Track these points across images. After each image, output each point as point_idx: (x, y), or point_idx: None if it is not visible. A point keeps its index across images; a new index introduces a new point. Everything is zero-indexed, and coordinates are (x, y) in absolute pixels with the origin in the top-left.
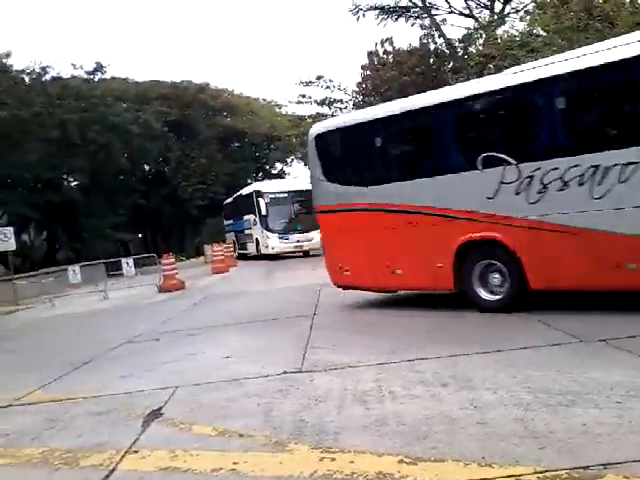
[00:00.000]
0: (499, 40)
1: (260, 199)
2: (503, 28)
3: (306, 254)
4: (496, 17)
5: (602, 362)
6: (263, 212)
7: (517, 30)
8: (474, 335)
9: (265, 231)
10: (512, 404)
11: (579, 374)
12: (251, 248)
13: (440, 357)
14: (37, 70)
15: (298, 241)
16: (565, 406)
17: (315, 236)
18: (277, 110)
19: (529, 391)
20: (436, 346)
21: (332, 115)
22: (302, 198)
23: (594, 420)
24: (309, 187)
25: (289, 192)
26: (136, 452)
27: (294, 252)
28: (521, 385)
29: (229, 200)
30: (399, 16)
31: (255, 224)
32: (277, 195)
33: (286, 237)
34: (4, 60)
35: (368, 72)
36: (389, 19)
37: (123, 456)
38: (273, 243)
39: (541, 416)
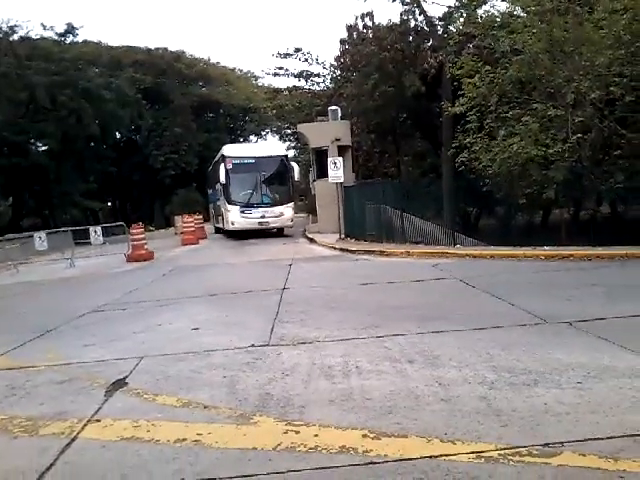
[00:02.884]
0: (479, 20)
1: (222, 165)
2: (484, 8)
3: (278, 232)
4: None
5: (565, 343)
6: (222, 180)
7: (498, 10)
8: (443, 313)
9: (226, 203)
10: (476, 382)
11: (542, 354)
12: (221, 222)
13: (408, 334)
14: (4, 29)
15: (263, 216)
16: (528, 385)
17: (286, 211)
18: (253, 82)
19: (494, 370)
20: (405, 323)
21: (309, 89)
22: (273, 165)
23: (555, 399)
24: (280, 153)
25: (256, 157)
26: (98, 421)
27: (259, 230)
28: (486, 364)
29: (211, 167)
30: None
31: (221, 194)
32: (242, 161)
33: (249, 211)
34: None
35: (347, 46)
36: None
37: (85, 425)
38: (233, 217)
39: (504, 395)
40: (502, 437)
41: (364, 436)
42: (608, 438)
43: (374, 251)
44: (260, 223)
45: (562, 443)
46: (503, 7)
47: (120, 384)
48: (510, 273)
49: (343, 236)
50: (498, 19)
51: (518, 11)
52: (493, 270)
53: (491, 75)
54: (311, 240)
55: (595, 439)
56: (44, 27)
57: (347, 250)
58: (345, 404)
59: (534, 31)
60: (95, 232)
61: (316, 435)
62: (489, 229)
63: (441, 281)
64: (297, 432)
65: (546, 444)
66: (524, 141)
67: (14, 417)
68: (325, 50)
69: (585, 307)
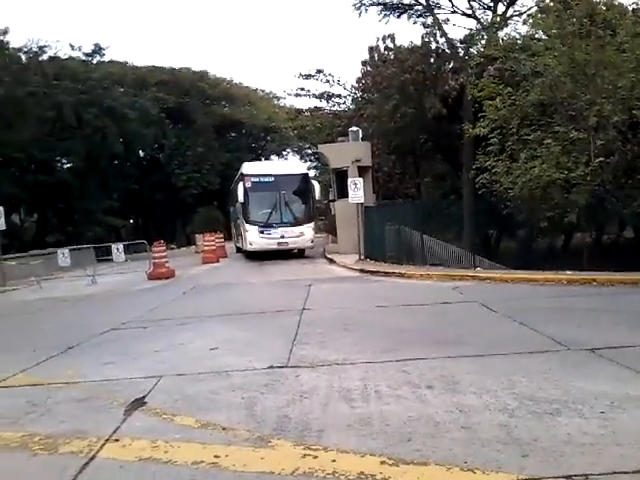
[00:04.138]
0: (501, 42)
1: (241, 183)
2: (505, 30)
3: (298, 253)
4: (498, 19)
5: (588, 371)
6: (241, 199)
7: (519, 33)
8: (463, 338)
9: (245, 223)
10: (497, 409)
11: (565, 382)
12: (240, 241)
13: (428, 358)
14: (34, 49)
15: (282, 237)
16: (550, 414)
17: (306, 232)
18: (275, 102)
19: (515, 397)
20: (425, 347)
21: (330, 109)
22: (293, 184)
23: (578, 429)
24: (301, 171)
25: (276, 175)
26: (117, 440)
27: (277, 250)
28: (507, 391)
29: (232, 185)
30: (402, 13)
31: (240, 213)
32: (261, 179)
33: (268, 231)
34: (1, 37)
35: (369, 68)
36: (392, 16)
37: (104, 444)
38: (251, 237)
39: (526, 423)
40: (524, 467)
41: (382, 463)
42: (634, 472)
43: (394, 273)
44: (279, 244)
45: (586, 476)
46: (524, 30)
47: (139, 403)
48: (531, 297)
49: (363, 257)
50: (519, 42)
51: (539, 34)
52: (514, 294)
53: (512, 97)
54: (330, 260)
55: (620, 472)
56: (72, 47)
57: (367, 271)
58: (364, 429)
59: (556, 54)
60: (117, 249)
61: (334, 460)
62: (510, 252)
63: (461, 304)
64: (315, 457)
65: (569, 476)
66: (546, 164)
67: (34, 434)
68: (346, 71)
69: (608, 334)
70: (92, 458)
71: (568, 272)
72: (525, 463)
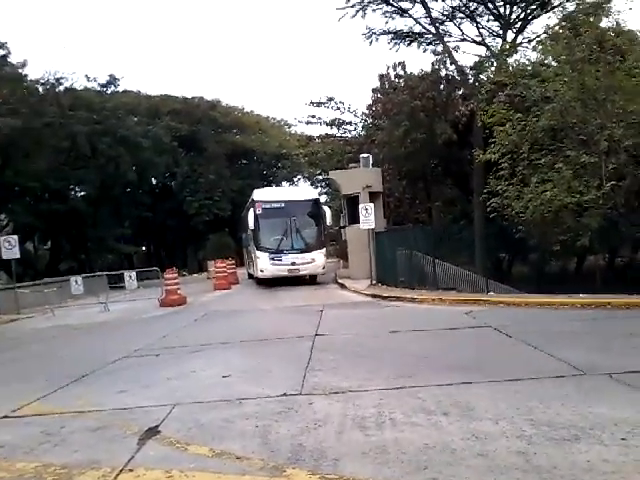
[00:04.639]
0: (510, 69)
1: (251, 209)
2: (515, 57)
3: (310, 279)
4: (508, 46)
5: (606, 397)
6: (251, 225)
7: (529, 59)
8: (477, 363)
9: (255, 249)
10: (514, 436)
11: (583, 408)
12: (252, 268)
13: (442, 385)
14: (51, 81)
15: (293, 263)
16: (569, 441)
17: (318, 258)
18: (286, 129)
19: (532, 424)
20: (439, 373)
21: (341, 136)
22: (304, 210)
23: (598, 457)
24: (312, 197)
25: (286, 202)
26: (131, 471)
27: (288, 277)
28: (524, 417)
29: (244, 212)
30: (412, 41)
31: (251, 240)
32: (272, 205)
33: (279, 257)
34: (20, 70)
35: (379, 95)
36: (402, 44)
37: (118, 474)
38: (262, 264)
39: (544, 450)
40: None
41: None
42: None
43: (405, 298)
44: (290, 270)
45: None
46: (534, 56)
47: (153, 432)
48: (545, 322)
49: (374, 282)
50: (529, 68)
51: (549, 60)
52: (528, 318)
53: (522, 123)
54: (342, 286)
55: None
56: (88, 78)
57: (378, 296)
58: (379, 457)
59: (565, 79)
60: (130, 277)
61: None
62: (522, 276)
63: (475, 330)
64: None
65: None
66: (557, 188)
67: (48, 465)
68: (357, 99)
69: (625, 358)
70: None
71: (582, 295)
72: None
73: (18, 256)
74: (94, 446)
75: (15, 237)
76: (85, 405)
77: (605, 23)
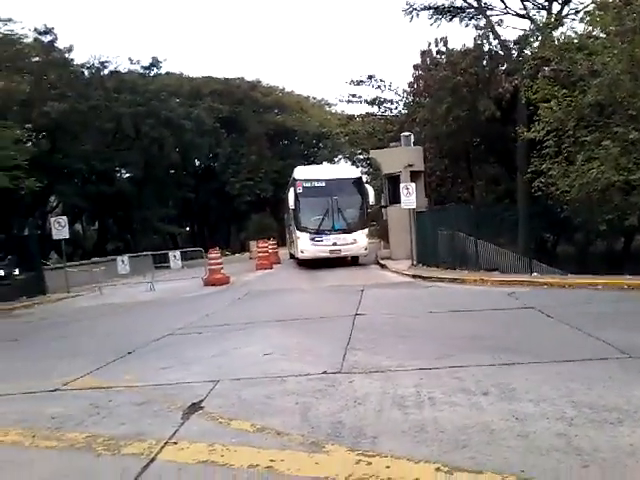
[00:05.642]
0: (556, 42)
1: (292, 188)
2: (560, 30)
3: (352, 260)
4: (553, 19)
5: None
6: (292, 204)
7: (575, 32)
8: (519, 344)
9: (296, 230)
10: (555, 418)
11: (627, 391)
12: (293, 248)
13: (483, 365)
14: (96, 65)
15: (335, 244)
16: (611, 424)
17: (360, 239)
18: (327, 109)
19: (573, 405)
20: (480, 354)
21: (382, 115)
22: (346, 189)
23: None
24: (354, 175)
25: (328, 180)
26: (175, 443)
27: (329, 258)
28: (565, 399)
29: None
30: (453, 16)
31: (291, 220)
32: (313, 184)
33: (319, 238)
34: (66, 55)
35: (420, 72)
36: (443, 19)
37: (163, 447)
38: (302, 245)
39: (585, 432)
40: (584, 478)
41: (437, 470)
42: None
43: (447, 278)
44: (331, 251)
45: None
46: (580, 28)
47: (196, 407)
48: (590, 303)
49: (415, 262)
50: (575, 41)
51: (597, 32)
52: (571, 300)
53: (568, 99)
54: (383, 266)
55: None
56: (131, 61)
57: (419, 277)
58: (418, 436)
59: (614, 52)
60: (174, 256)
61: (388, 467)
62: (567, 256)
63: (517, 310)
64: (369, 463)
65: None
66: (604, 166)
67: (97, 436)
68: (398, 76)
69: None
70: (152, 460)
71: (628, 276)
72: (585, 474)
73: (67, 236)
74: (139, 419)
75: (65, 218)
76: (131, 380)
77: None
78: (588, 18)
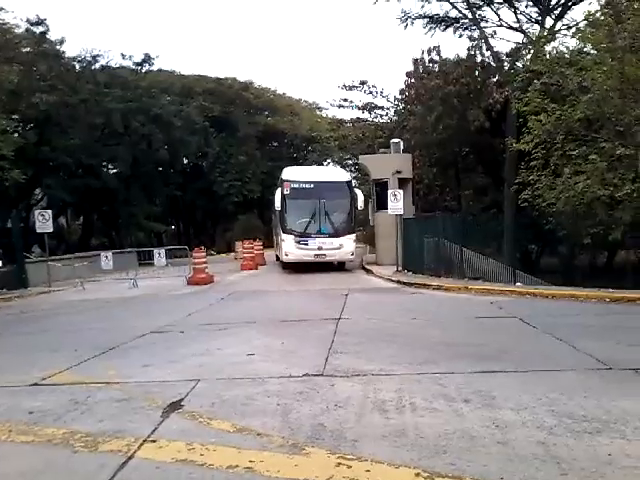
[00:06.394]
0: (547, 56)
1: (279, 189)
2: (552, 44)
3: (339, 266)
4: (546, 33)
5: (631, 391)
6: (278, 206)
7: (567, 47)
8: (501, 353)
9: (281, 232)
10: (535, 426)
11: (607, 402)
12: (278, 250)
13: (464, 373)
14: (88, 58)
15: (320, 248)
16: (590, 433)
17: (346, 244)
18: (318, 112)
19: (553, 415)
20: (461, 361)
21: (373, 121)
22: (334, 192)
23: (620, 451)
24: (344, 178)
25: (316, 182)
26: (154, 442)
27: (314, 262)
28: (545, 407)
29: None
30: (447, 26)
31: (278, 222)
32: (300, 185)
33: (305, 241)
34: (58, 47)
35: (412, 80)
36: (437, 29)
37: (141, 444)
38: (287, 247)
39: (564, 441)
40: None
41: (417, 475)
42: None
43: (431, 285)
44: (316, 255)
45: None
46: (572, 44)
47: (176, 406)
48: (572, 314)
49: (400, 268)
50: (567, 56)
51: (588, 48)
52: (554, 310)
53: (558, 112)
54: (368, 271)
55: None
56: (123, 57)
57: (404, 283)
58: (398, 440)
59: (605, 68)
60: (159, 254)
61: (368, 471)
62: (551, 268)
63: (500, 319)
64: (349, 467)
65: None
66: (590, 180)
67: (75, 432)
68: (390, 83)
69: None
70: (130, 457)
71: (611, 290)
72: None
73: (51, 230)
74: (119, 416)
75: (49, 211)
76: (111, 377)
77: None
78: (580, 34)
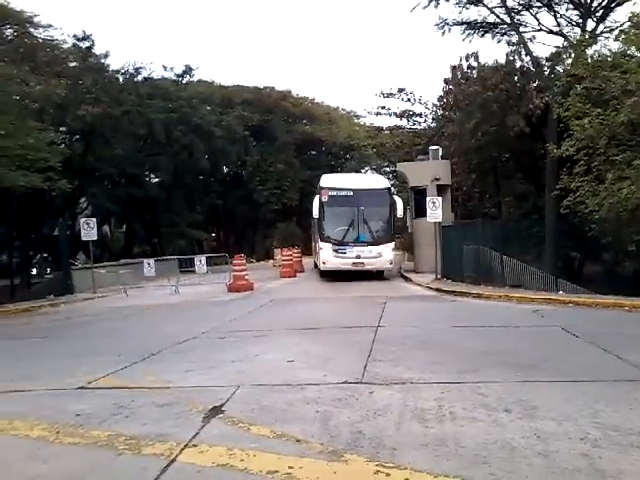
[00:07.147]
0: (589, 60)
1: (317, 196)
2: (594, 48)
3: (377, 274)
4: (587, 36)
5: None
6: (316, 213)
7: (609, 50)
8: (543, 362)
9: (319, 240)
10: (578, 438)
11: None
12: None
13: (506, 382)
14: (131, 71)
15: (358, 257)
16: (637, 447)
17: (385, 252)
18: (355, 120)
19: (597, 427)
20: (502, 370)
21: (410, 128)
22: (374, 200)
23: None
24: (383, 185)
25: (355, 190)
26: (195, 446)
27: (353, 271)
28: (589, 419)
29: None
30: (485, 32)
31: (315, 229)
32: (339, 192)
33: (343, 250)
34: (102, 60)
35: (451, 86)
36: (475, 35)
37: (183, 449)
38: (325, 256)
39: (609, 455)
40: None
41: None
42: None
43: (471, 293)
44: (354, 264)
45: None
46: (615, 46)
47: (217, 411)
48: (617, 324)
49: (439, 276)
50: (609, 59)
51: (632, 50)
52: (598, 320)
53: (600, 117)
54: (407, 279)
55: None
56: (165, 68)
57: (443, 291)
58: (438, 449)
59: None
60: (200, 261)
61: (407, 479)
62: (594, 276)
63: (542, 328)
64: (388, 474)
65: None
66: (634, 185)
67: (119, 434)
68: (428, 90)
69: None
70: (172, 461)
71: None
72: None
73: (96, 238)
74: (161, 421)
75: (94, 220)
76: (154, 381)
77: None
78: (623, 36)
